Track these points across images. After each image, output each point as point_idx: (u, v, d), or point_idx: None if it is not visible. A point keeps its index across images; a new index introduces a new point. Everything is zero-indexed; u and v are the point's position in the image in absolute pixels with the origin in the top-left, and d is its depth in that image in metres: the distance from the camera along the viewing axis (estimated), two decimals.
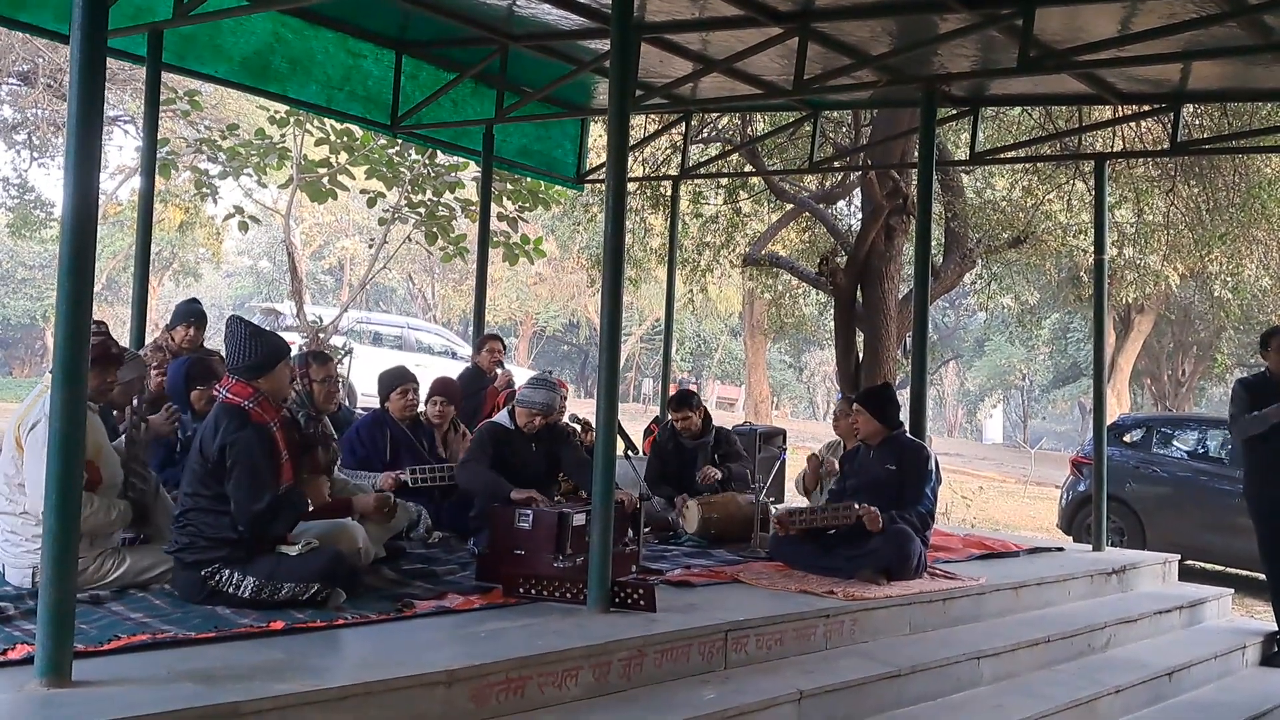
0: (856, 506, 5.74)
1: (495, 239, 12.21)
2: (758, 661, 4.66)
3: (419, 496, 6.04)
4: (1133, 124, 10.21)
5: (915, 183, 10.10)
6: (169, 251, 32.00)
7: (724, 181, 13.67)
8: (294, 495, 4.46)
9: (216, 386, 4.67)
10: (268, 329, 4.78)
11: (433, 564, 5.43)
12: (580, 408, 11.03)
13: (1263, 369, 6.83)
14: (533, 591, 4.75)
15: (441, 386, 6.84)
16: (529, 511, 5.04)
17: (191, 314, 6.65)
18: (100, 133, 3.77)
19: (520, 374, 13.10)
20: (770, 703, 4.24)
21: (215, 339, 7.22)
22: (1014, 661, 5.52)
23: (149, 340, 7.07)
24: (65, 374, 3.34)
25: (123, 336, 6.89)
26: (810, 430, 26.83)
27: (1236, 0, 5.57)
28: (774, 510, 7.02)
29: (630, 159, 6.12)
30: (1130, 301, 17.95)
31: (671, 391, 8.66)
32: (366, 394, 14.81)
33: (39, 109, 19.72)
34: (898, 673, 4.84)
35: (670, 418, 7.52)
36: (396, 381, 6.51)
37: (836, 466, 6.96)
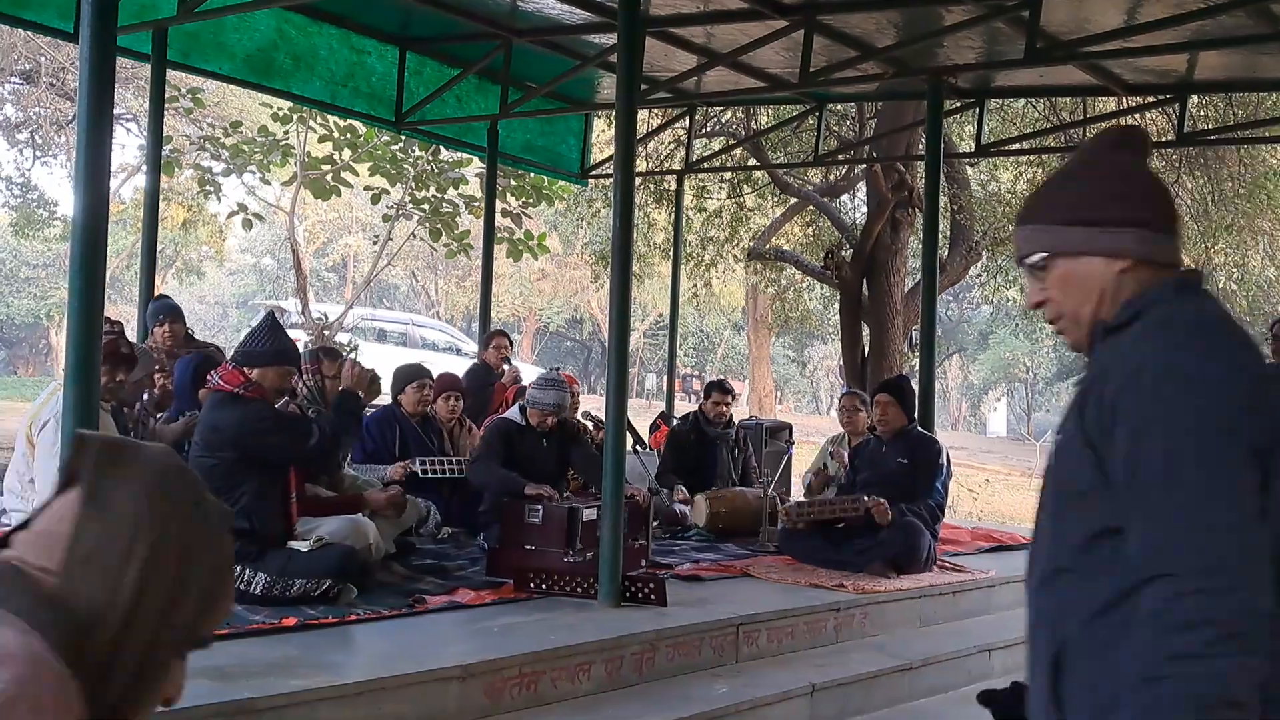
0: (865, 499, 5.73)
1: (499, 235, 12.22)
2: (769, 655, 4.66)
3: (428, 492, 6.04)
4: (1137, 115, 10.18)
5: (921, 175, 10.08)
6: (171, 249, 31.96)
7: (727, 175, 13.66)
8: (344, 400, 4.65)
9: (210, 373, 4.59)
10: (290, 339, 4.72)
11: (443, 559, 5.43)
12: (584, 404, 11.03)
13: (1270, 361, 6.82)
14: (544, 586, 4.75)
15: (451, 382, 6.85)
16: (539, 507, 5.05)
17: (160, 310, 6.49)
18: (111, 128, 3.78)
19: (526, 370, 13.10)
20: (783, 696, 4.24)
21: (218, 335, 7.20)
22: (1024, 654, 5.51)
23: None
24: (76, 372, 3.35)
25: (130, 335, 6.86)
26: (814, 424, 26.81)
27: None
28: (781, 504, 7.02)
29: None
30: None
31: (677, 387, 8.67)
32: None
33: (41, 108, 19.71)
34: (909, 666, 4.84)
35: (705, 403, 7.52)
36: (412, 376, 6.51)
37: (845, 458, 6.97)
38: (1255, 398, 1.44)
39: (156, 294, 7.37)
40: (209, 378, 4.53)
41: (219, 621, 1.21)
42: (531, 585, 4.76)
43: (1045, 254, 1.64)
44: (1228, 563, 1.34)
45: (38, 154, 21.93)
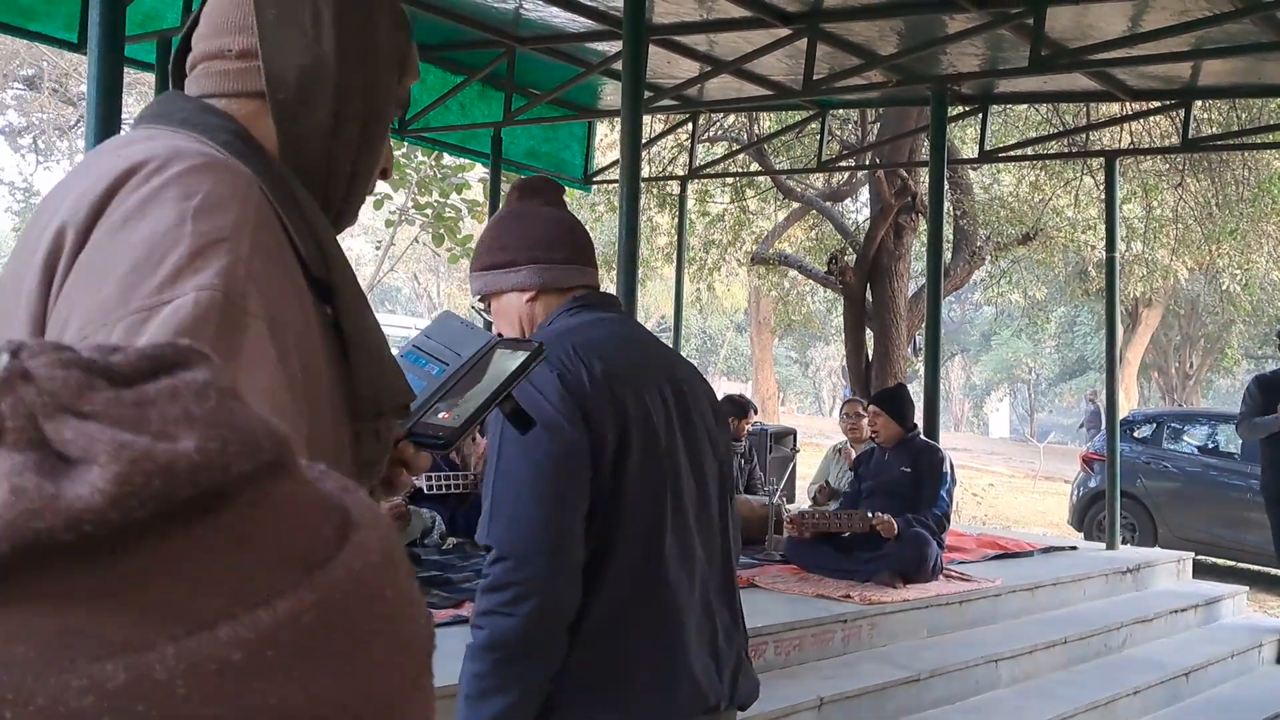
0: (871, 515, 5.72)
1: None
2: (776, 668, 4.65)
3: (434, 502, 6.04)
4: (1142, 120, 10.18)
5: (924, 181, 10.07)
6: None
7: (730, 179, 13.67)
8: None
9: None
10: None
11: (448, 571, 5.42)
12: None
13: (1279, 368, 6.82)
14: None
15: None
16: None
17: None
18: (118, 132, 3.79)
19: None
20: (791, 710, 4.23)
21: None
22: (1032, 663, 5.52)
23: None
24: None
25: None
26: (817, 426, 26.80)
27: None
28: (786, 511, 7.02)
29: None
30: (1138, 295, 17.94)
31: None
32: None
33: (44, 113, 19.74)
34: (917, 677, 4.83)
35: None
36: None
37: (851, 455, 6.99)
38: (586, 397, 1.72)
39: None
40: None
41: (414, 79, 1.21)
42: None
43: (479, 296, 1.99)
44: (529, 542, 1.66)
45: (40, 159, 21.96)
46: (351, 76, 1.08)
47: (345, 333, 1.02)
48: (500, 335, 1.40)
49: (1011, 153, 10.19)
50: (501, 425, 1.74)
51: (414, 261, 33.72)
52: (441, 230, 13.42)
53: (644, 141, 10.69)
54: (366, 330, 1.05)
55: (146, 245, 0.88)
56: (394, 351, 1.29)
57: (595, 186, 11.91)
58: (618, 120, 6.84)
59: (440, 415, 1.24)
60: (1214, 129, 10.77)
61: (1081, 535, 10.67)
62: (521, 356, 1.31)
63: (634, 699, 1.76)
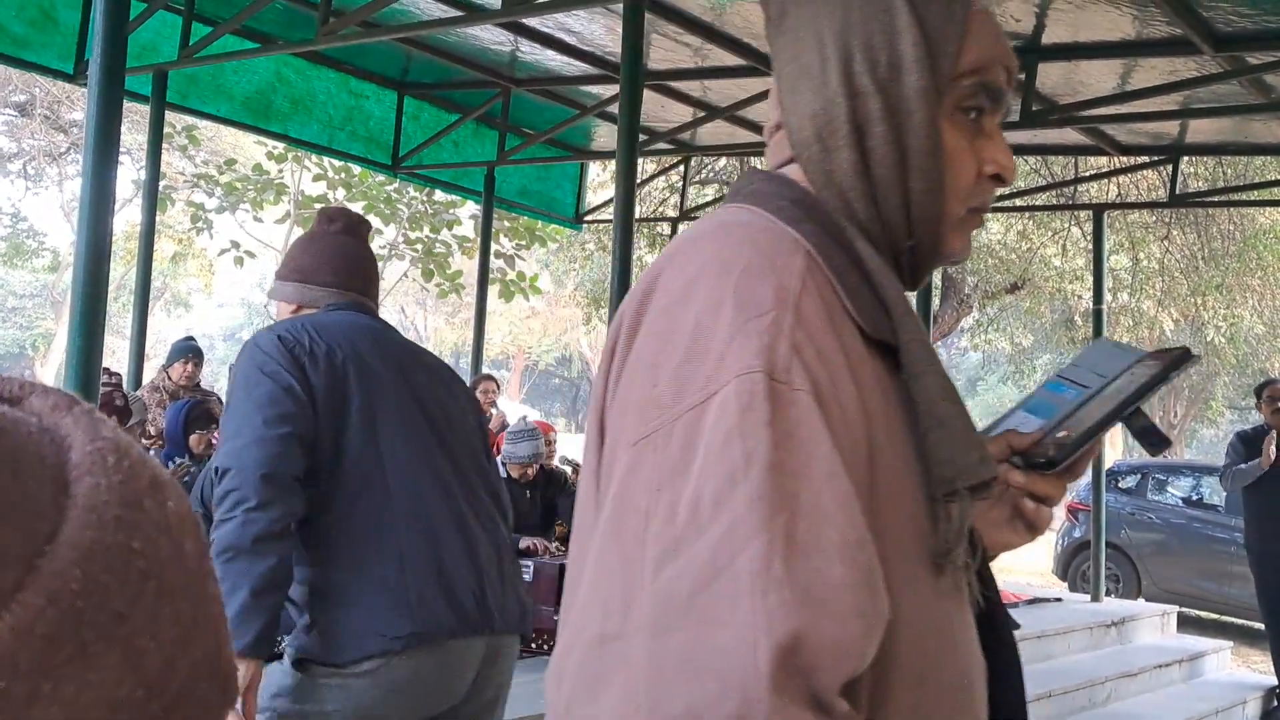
0: None
1: (492, 276, 12.24)
2: None
3: None
4: (1130, 173, 10.28)
5: None
6: (160, 282, 31.86)
7: None
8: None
9: (216, 432, 4.68)
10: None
11: None
12: (572, 442, 10.93)
13: (1262, 423, 6.84)
14: (533, 646, 4.69)
15: None
16: (529, 563, 5.00)
17: (189, 350, 6.66)
18: (115, 169, 3.80)
19: (514, 409, 13.08)
20: None
21: (204, 368, 7.16)
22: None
23: (145, 380, 7.03)
24: None
25: (116, 367, 6.83)
26: None
27: (1238, 59, 5.62)
28: None
29: None
30: None
31: None
32: None
33: (35, 139, 19.72)
34: None
35: None
36: None
37: None
38: (303, 354, 2.12)
39: (185, 335, 7.52)
40: (214, 437, 4.61)
41: (984, 48, 1.00)
42: (521, 645, 4.69)
43: (268, 298, 2.43)
44: (243, 458, 1.99)
45: (30, 185, 21.92)
46: (865, 104, 0.98)
47: (914, 400, 0.95)
48: (1151, 351, 1.21)
49: (1000, 203, 10.25)
50: (238, 370, 2.12)
51: (402, 295, 33.71)
52: (431, 265, 13.43)
53: (637, 183, 10.75)
54: (937, 398, 0.96)
55: (693, 333, 0.87)
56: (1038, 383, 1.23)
57: (586, 225, 11.95)
58: (610, 160, 6.86)
59: (1060, 434, 1.15)
60: (1201, 184, 10.88)
61: (1066, 585, 10.64)
62: (1159, 366, 1.15)
63: (377, 615, 2.02)
